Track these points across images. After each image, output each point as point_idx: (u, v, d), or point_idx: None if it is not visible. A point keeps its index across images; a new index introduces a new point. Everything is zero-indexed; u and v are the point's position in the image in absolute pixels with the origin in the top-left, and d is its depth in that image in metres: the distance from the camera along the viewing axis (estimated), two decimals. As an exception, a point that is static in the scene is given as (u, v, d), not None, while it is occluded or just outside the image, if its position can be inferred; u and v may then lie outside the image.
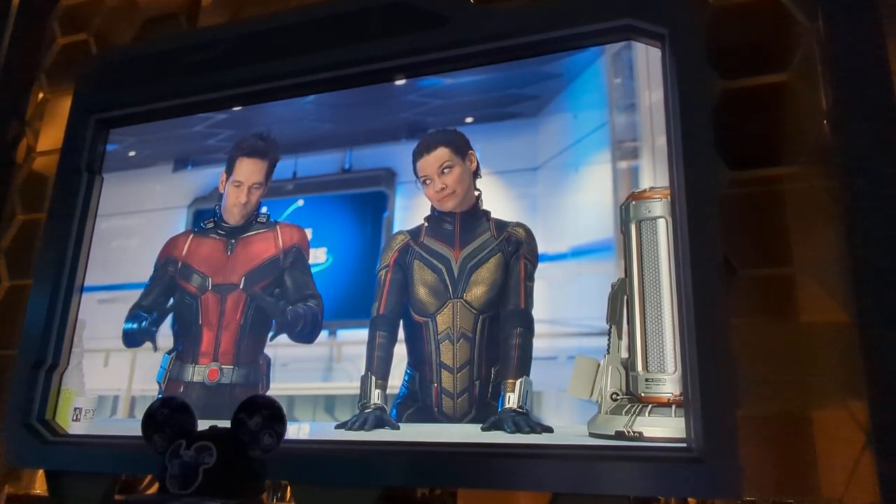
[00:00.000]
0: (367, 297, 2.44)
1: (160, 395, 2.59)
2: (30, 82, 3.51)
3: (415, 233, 2.45)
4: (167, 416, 1.51)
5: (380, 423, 2.27)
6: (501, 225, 2.36)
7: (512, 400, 2.15)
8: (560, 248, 2.26)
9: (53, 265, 2.84)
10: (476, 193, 2.41)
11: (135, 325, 2.72)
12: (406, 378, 2.33)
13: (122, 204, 2.97)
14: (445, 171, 2.42)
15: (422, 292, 2.38)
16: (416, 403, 2.30)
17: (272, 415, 1.50)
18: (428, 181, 2.45)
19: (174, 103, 2.94)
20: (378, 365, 2.35)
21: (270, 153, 2.76)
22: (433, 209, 2.44)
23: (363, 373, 2.36)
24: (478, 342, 2.28)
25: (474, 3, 2.60)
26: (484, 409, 2.21)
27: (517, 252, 2.31)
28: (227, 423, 1.54)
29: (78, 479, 2.54)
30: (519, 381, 2.17)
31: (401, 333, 2.38)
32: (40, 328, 2.76)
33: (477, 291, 2.32)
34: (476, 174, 2.43)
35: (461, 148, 2.44)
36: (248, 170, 2.76)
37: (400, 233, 2.47)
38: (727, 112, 2.17)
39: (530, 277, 2.28)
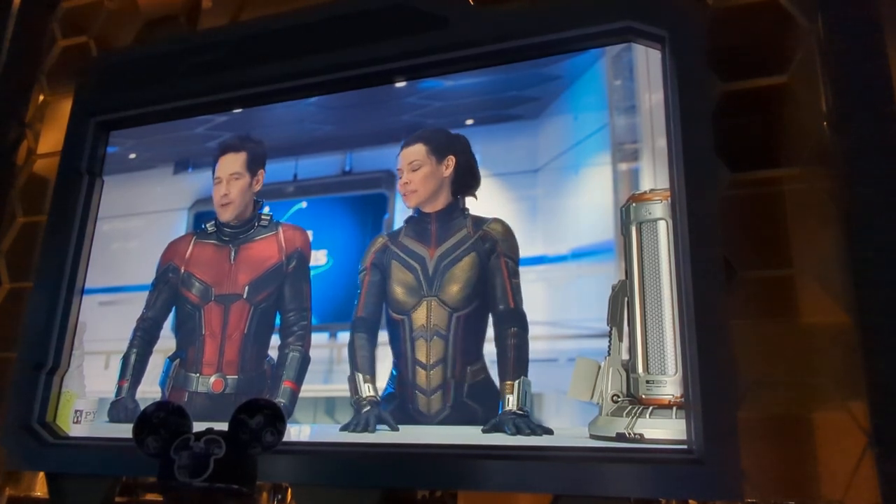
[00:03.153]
0: (367, 299, 2.45)
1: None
2: (30, 84, 3.51)
3: (395, 234, 2.47)
4: (163, 418, 1.53)
5: (380, 420, 2.28)
6: (478, 222, 2.38)
7: (511, 402, 2.15)
8: (560, 250, 2.26)
9: (54, 267, 2.84)
10: (452, 195, 2.41)
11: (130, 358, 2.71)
12: (391, 376, 2.36)
13: (123, 206, 2.98)
14: (415, 167, 2.45)
15: (398, 291, 2.40)
16: (396, 401, 2.32)
17: (273, 414, 1.54)
18: (400, 174, 2.48)
19: (175, 105, 2.95)
20: (362, 363, 2.38)
21: (246, 146, 2.77)
22: (414, 209, 2.47)
23: (349, 374, 2.38)
24: (452, 340, 2.30)
25: (474, 6, 2.60)
26: (459, 407, 2.24)
27: (494, 251, 2.32)
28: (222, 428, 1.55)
29: (78, 482, 2.54)
30: (517, 381, 2.17)
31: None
32: (41, 330, 2.77)
33: (451, 289, 2.34)
34: (458, 180, 2.42)
35: (439, 150, 2.46)
36: (224, 164, 2.78)
37: (380, 235, 2.50)
38: (727, 114, 2.17)
39: (514, 275, 2.29)
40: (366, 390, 2.33)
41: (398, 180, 2.48)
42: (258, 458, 1.53)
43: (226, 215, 2.72)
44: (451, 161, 2.44)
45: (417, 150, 2.47)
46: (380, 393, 2.33)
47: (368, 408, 2.30)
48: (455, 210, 2.41)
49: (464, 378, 2.25)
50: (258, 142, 2.77)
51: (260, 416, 1.52)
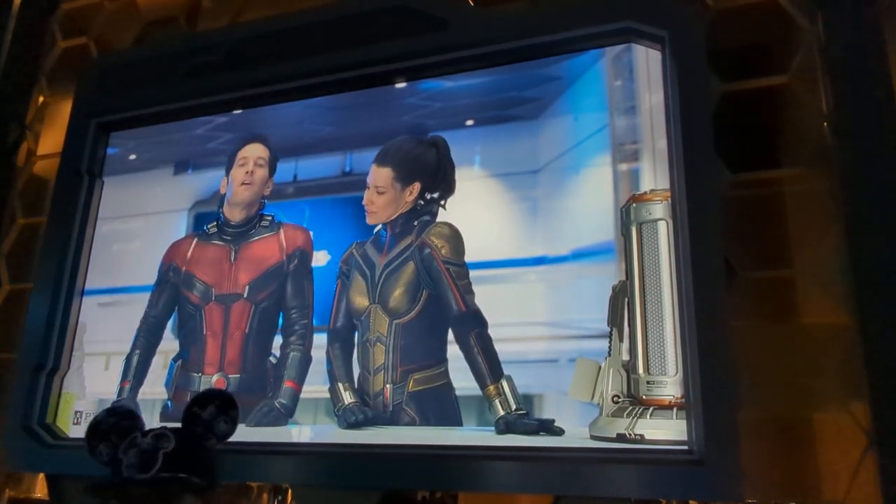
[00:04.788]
0: (367, 300, 2.45)
1: (168, 402, 2.60)
2: (30, 86, 3.51)
3: (363, 241, 2.50)
4: (113, 424, 1.50)
5: (367, 419, 2.31)
6: (423, 229, 2.40)
7: (505, 405, 2.15)
8: (560, 251, 2.26)
9: (54, 269, 2.84)
10: (413, 202, 2.44)
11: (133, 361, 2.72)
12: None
13: (123, 207, 2.98)
14: (379, 192, 2.48)
15: (354, 298, 2.45)
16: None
17: (225, 402, 1.53)
18: (367, 187, 2.51)
19: (175, 106, 2.94)
20: (339, 373, 2.40)
21: (270, 145, 2.79)
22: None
23: (329, 385, 2.40)
24: (391, 346, 2.33)
25: (474, 7, 2.60)
26: (397, 413, 2.27)
27: (432, 259, 2.34)
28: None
29: (78, 483, 2.52)
30: (499, 383, 2.18)
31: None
32: (41, 332, 2.76)
33: (391, 297, 2.37)
34: (423, 194, 2.43)
35: (405, 177, 2.47)
36: (250, 149, 2.78)
37: (352, 243, 2.52)
38: (727, 114, 2.17)
39: (460, 277, 2.30)
40: (347, 398, 2.36)
41: (366, 190, 2.51)
42: (216, 451, 1.50)
43: (243, 195, 2.72)
44: (415, 187, 2.46)
45: (385, 176, 2.49)
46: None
47: (353, 410, 2.33)
48: (412, 217, 2.43)
49: (405, 385, 2.28)
50: (275, 149, 2.79)
51: (212, 407, 1.51)
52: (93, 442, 1.50)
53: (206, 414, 1.49)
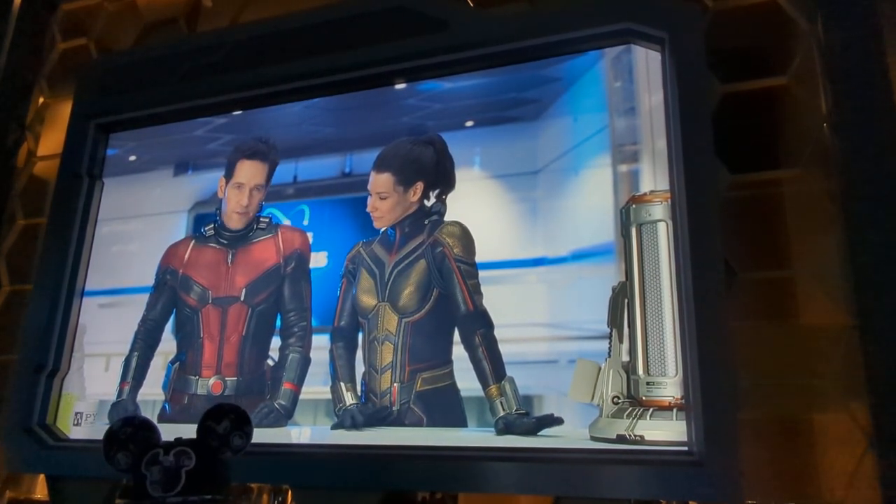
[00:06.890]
0: (367, 301, 2.45)
1: (166, 404, 2.60)
2: (30, 87, 3.51)
3: (370, 241, 2.51)
4: (130, 434, 1.55)
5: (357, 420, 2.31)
6: (434, 227, 2.41)
7: (506, 405, 2.16)
8: (561, 252, 2.26)
9: (54, 270, 2.84)
10: (420, 205, 2.44)
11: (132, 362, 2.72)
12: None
13: (123, 208, 2.98)
14: (382, 197, 2.48)
15: (362, 297, 2.45)
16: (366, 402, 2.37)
17: (239, 418, 1.58)
18: (370, 194, 2.51)
19: (174, 108, 2.95)
20: (342, 372, 2.41)
21: (271, 156, 2.77)
22: None
23: (331, 384, 2.40)
24: (400, 345, 2.34)
25: (474, 8, 2.61)
26: (403, 412, 2.27)
27: (444, 257, 2.34)
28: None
29: (79, 484, 2.54)
30: (501, 384, 2.18)
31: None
32: (41, 333, 2.76)
33: (401, 296, 2.38)
34: (427, 194, 2.44)
35: (406, 180, 2.48)
36: (250, 172, 2.76)
37: (359, 241, 2.52)
38: (727, 115, 2.17)
39: (470, 276, 2.31)
40: (348, 398, 2.36)
41: (368, 198, 2.51)
42: (229, 462, 1.55)
43: (237, 224, 2.72)
44: (418, 187, 2.47)
45: (385, 181, 2.49)
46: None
47: (350, 410, 2.34)
48: (421, 217, 2.44)
49: (413, 384, 2.28)
50: (277, 149, 2.77)
51: (226, 422, 1.56)
52: (111, 450, 1.55)
53: (221, 429, 1.55)
